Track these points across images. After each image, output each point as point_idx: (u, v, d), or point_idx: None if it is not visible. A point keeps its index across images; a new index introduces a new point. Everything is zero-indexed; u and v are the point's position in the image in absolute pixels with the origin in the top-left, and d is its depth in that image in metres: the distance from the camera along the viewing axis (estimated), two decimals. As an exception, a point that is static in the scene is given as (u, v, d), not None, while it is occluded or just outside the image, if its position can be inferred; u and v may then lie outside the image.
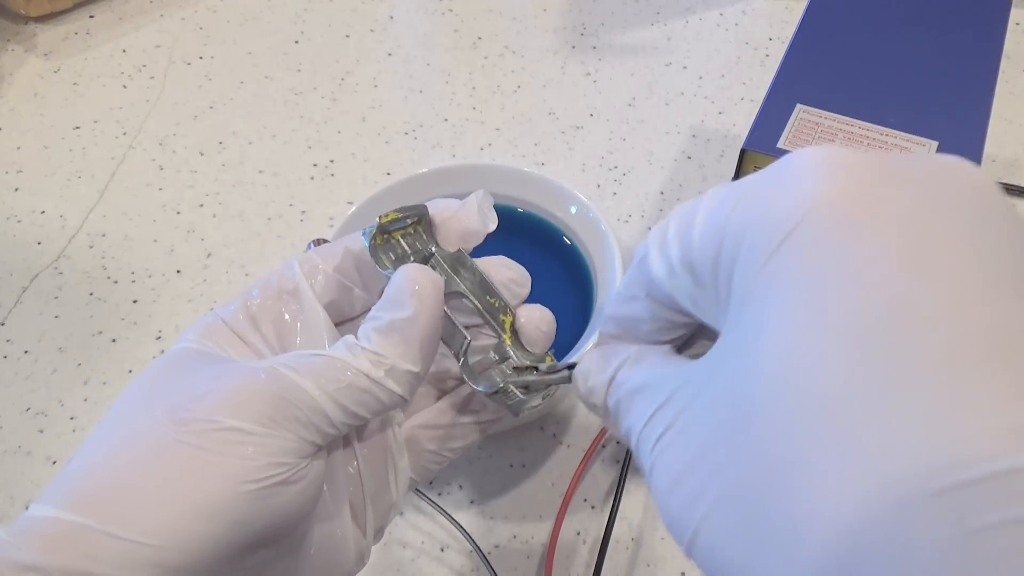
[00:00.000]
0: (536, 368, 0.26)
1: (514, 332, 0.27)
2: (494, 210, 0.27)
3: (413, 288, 0.23)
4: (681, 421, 0.17)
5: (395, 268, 0.24)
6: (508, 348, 0.27)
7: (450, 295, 0.26)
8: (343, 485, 0.24)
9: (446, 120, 0.56)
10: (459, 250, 0.26)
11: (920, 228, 0.14)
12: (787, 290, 0.15)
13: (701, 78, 0.60)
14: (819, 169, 0.15)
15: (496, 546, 0.37)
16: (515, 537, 0.37)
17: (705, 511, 0.15)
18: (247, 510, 0.19)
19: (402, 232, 0.26)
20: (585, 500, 0.38)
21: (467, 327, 0.26)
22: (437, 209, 0.27)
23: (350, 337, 0.23)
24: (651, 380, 0.19)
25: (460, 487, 0.39)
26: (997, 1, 0.44)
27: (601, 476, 0.39)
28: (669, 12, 0.65)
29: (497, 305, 0.26)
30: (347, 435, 0.24)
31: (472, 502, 0.38)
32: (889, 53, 0.42)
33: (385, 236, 0.26)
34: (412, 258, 0.26)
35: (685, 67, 0.60)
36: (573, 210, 0.41)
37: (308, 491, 0.21)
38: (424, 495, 0.37)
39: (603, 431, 0.38)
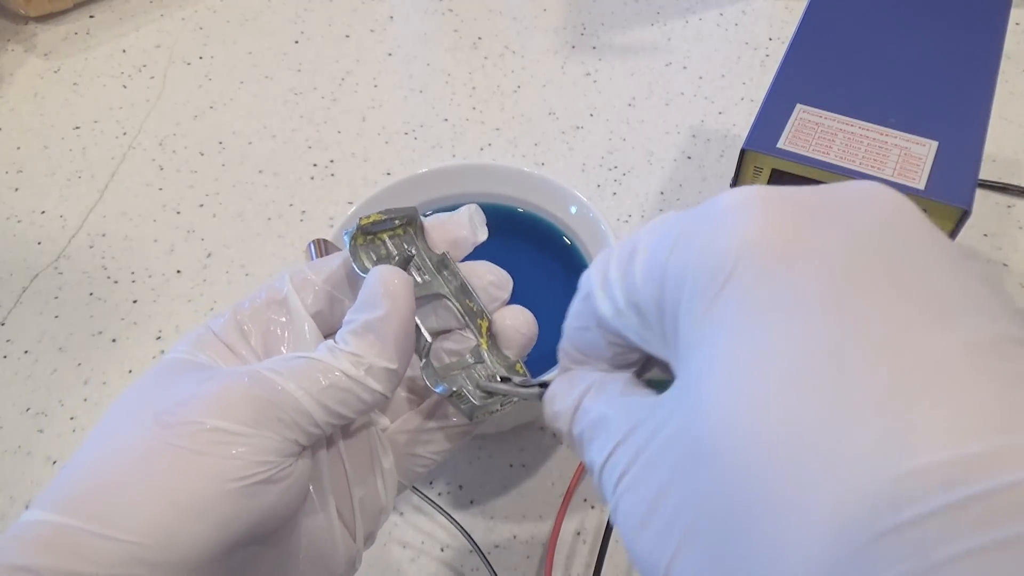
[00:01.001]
0: (508, 379, 0.26)
1: (491, 336, 0.27)
2: (485, 225, 0.28)
3: (385, 288, 0.23)
4: (641, 461, 0.17)
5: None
6: (484, 352, 0.27)
7: (431, 297, 0.27)
8: (329, 486, 0.24)
9: (446, 120, 0.56)
10: (444, 253, 0.27)
11: (846, 265, 0.14)
12: (729, 334, 0.15)
13: (701, 78, 0.60)
14: (747, 210, 0.16)
15: (496, 546, 0.37)
16: (515, 537, 0.37)
17: (673, 552, 0.15)
18: (232, 508, 0.20)
19: (389, 233, 0.27)
20: (585, 500, 0.38)
21: (448, 330, 0.27)
22: (429, 220, 0.28)
23: (330, 341, 0.23)
24: (610, 413, 0.19)
25: (460, 487, 0.39)
26: (997, 1, 0.44)
27: (601, 476, 0.39)
28: (669, 12, 0.65)
29: (475, 309, 0.27)
30: (332, 437, 0.24)
31: (472, 502, 0.38)
32: (889, 53, 0.42)
33: (369, 237, 0.26)
34: (395, 259, 0.26)
35: (685, 67, 0.60)
36: (573, 210, 0.41)
37: (293, 490, 0.21)
38: (424, 495, 0.37)
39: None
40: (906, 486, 0.12)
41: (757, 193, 0.16)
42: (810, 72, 0.41)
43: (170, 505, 0.19)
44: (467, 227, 0.27)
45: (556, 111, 0.57)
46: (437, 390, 0.25)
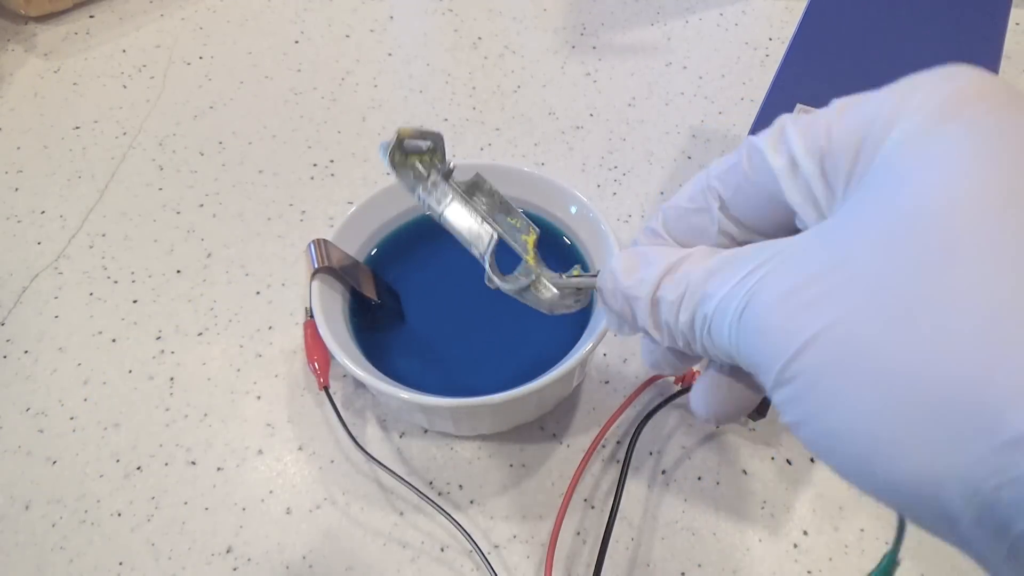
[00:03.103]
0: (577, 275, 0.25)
1: (537, 251, 0.26)
2: None
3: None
4: (792, 259, 0.16)
5: (412, 190, 0.25)
6: (531, 268, 0.25)
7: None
8: None
9: (446, 120, 0.56)
10: (476, 174, 0.26)
11: None
12: (956, 147, 0.15)
13: (701, 78, 0.60)
14: (968, 72, 0.16)
15: (496, 546, 0.37)
16: (515, 537, 0.37)
17: (839, 315, 0.15)
18: None
19: (418, 157, 0.26)
20: (585, 500, 0.38)
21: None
22: None
23: None
24: (735, 258, 0.18)
25: (460, 487, 0.39)
26: (997, 1, 0.44)
27: (601, 476, 0.39)
28: (669, 12, 0.65)
29: (518, 225, 0.25)
30: None
31: (472, 502, 0.38)
32: (889, 53, 0.42)
33: (404, 155, 0.25)
34: (429, 178, 0.25)
35: (685, 67, 0.60)
36: (573, 210, 0.41)
37: None
38: (424, 495, 0.37)
39: (603, 431, 0.38)
40: None
41: (962, 68, 0.16)
42: (810, 72, 0.41)
43: None
44: None
45: (556, 111, 0.57)
46: (506, 287, 0.24)
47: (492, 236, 0.24)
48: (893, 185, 0.15)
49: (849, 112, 0.18)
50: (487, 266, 0.24)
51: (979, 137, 0.15)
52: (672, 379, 0.41)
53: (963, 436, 0.13)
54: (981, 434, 0.13)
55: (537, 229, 0.26)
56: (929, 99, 0.16)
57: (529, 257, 0.26)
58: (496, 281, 0.24)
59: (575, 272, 0.26)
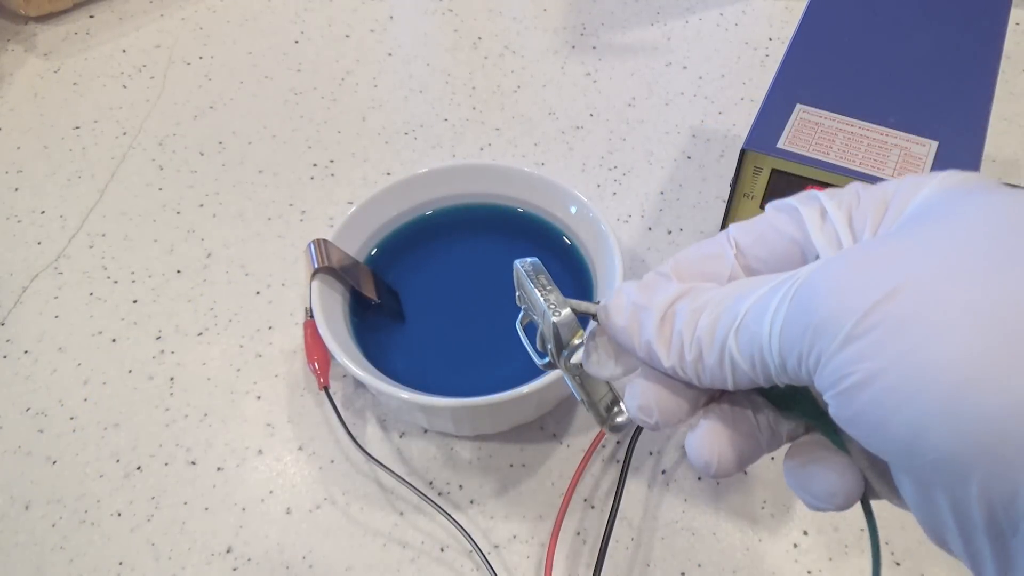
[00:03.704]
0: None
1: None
2: None
3: None
4: (845, 253, 0.17)
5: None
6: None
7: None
8: None
9: (446, 120, 0.56)
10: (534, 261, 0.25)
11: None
12: (987, 196, 0.17)
13: (701, 78, 0.60)
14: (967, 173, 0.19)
15: (496, 546, 0.37)
16: (515, 537, 0.37)
17: (927, 265, 0.16)
18: None
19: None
20: (585, 500, 0.38)
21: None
22: None
23: None
24: (764, 276, 0.19)
25: (460, 487, 0.39)
26: (997, 1, 0.44)
27: (601, 476, 0.39)
28: (669, 12, 0.65)
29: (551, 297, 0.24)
30: None
31: (472, 502, 0.38)
32: (889, 53, 0.42)
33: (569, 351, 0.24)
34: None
35: (685, 67, 0.60)
36: (573, 210, 0.41)
37: None
38: (424, 495, 0.37)
39: (603, 431, 0.38)
40: None
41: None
42: (810, 72, 0.41)
43: None
44: None
45: (556, 111, 0.57)
46: (615, 429, 0.26)
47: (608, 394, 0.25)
48: (942, 205, 0.17)
49: (873, 186, 0.19)
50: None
51: (1005, 193, 0.16)
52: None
53: None
54: None
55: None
56: (948, 177, 0.18)
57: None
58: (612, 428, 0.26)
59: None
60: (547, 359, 0.25)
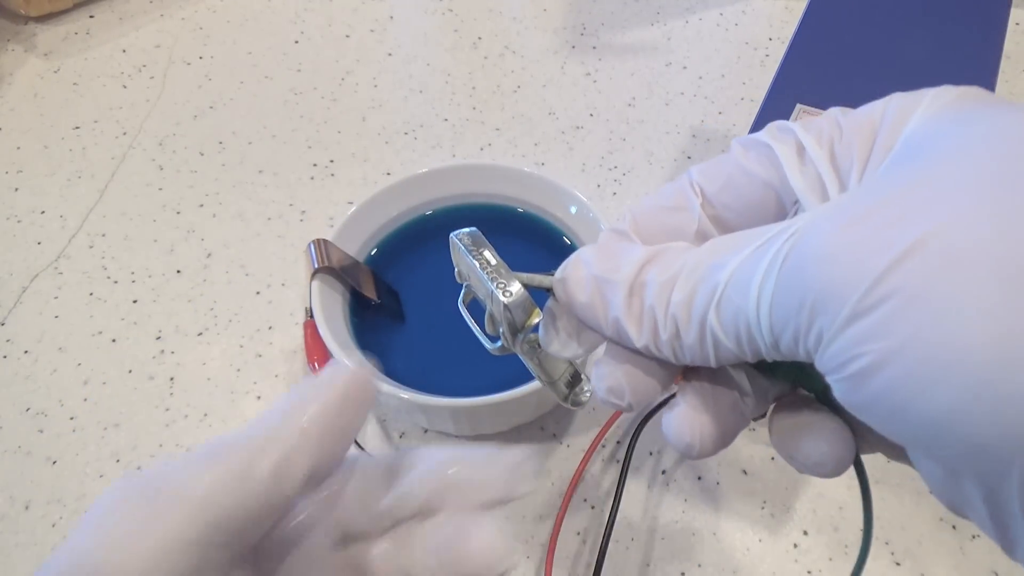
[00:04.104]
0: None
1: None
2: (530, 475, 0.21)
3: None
4: (842, 201, 0.15)
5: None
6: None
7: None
8: None
9: (446, 120, 0.56)
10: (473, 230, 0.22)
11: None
12: (995, 109, 0.14)
13: (701, 78, 0.60)
14: (960, 86, 0.16)
15: (496, 546, 0.37)
16: (515, 537, 0.37)
17: (945, 219, 0.13)
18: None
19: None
20: (585, 500, 0.38)
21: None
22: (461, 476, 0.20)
23: None
24: (743, 234, 0.16)
25: (460, 487, 0.39)
26: (997, 1, 0.44)
27: (601, 476, 0.39)
28: (669, 12, 0.65)
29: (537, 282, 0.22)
30: None
31: (472, 502, 0.38)
32: (889, 53, 0.42)
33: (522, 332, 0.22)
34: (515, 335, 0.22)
35: (685, 67, 0.60)
36: (573, 210, 0.41)
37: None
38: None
39: (603, 431, 0.38)
40: None
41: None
42: (810, 72, 0.41)
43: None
44: (503, 488, 0.20)
45: (556, 111, 0.57)
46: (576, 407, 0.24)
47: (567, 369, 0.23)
48: (945, 137, 0.14)
49: (855, 111, 0.17)
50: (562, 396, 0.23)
51: (1009, 112, 0.14)
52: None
53: None
54: None
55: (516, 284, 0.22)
56: (941, 94, 0.16)
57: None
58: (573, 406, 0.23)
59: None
60: (499, 343, 0.22)
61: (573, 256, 0.19)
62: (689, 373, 0.19)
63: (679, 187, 0.19)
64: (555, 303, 0.20)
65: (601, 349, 0.20)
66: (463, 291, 0.23)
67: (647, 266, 0.17)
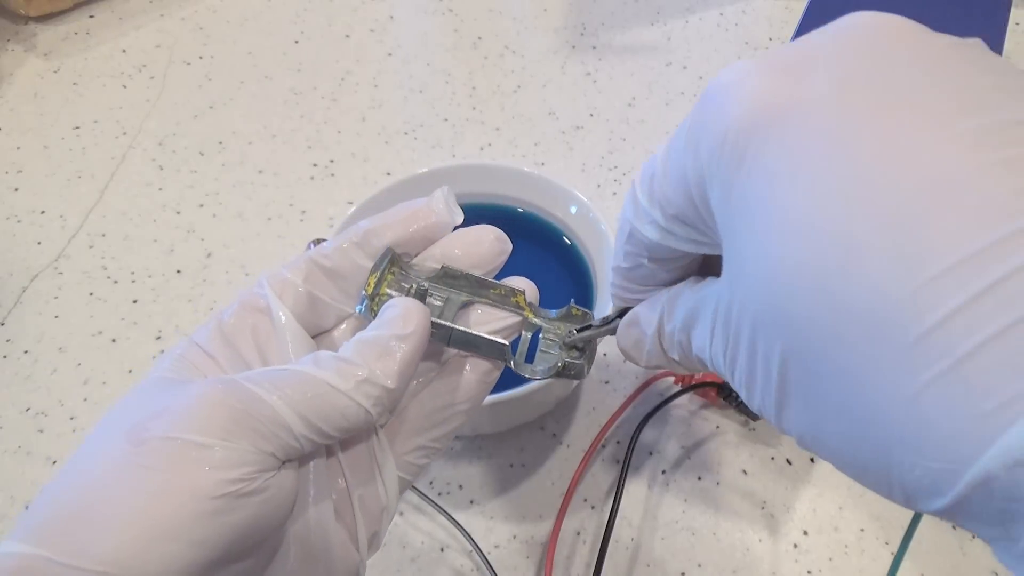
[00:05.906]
0: (587, 326, 0.27)
1: (530, 305, 0.27)
2: (458, 205, 0.27)
3: (408, 315, 0.23)
4: (731, 335, 0.18)
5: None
6: (536, 320, 0.27)
7: (463, 307, 0.26)
8: (324, 495, 0.23)
9: (446, 120, 0.56)
10: (442, 266, 0.26)
11: (836, 104, 0.15)
12: (750, 208, 0.16)
13: (701, 78, 0.60)
14: (737, 86, 0.17)
15: (496, 546, 0.37)
16: (515, 537, 0.37)
17: (777, 402, 0.17)
18: (208, 525, 0.19)
19: (386, 283, 0.26)
20: (585, 500, 0.38)
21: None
22: (399, 217, 0.26)
23: (321, 352, 0.22)
24: (694, 304, 0.20)
25: (460, 487, 0.39)
26: (997, 1, 0.44)
27: (601, 476, 0.39)
28: (669, 12, 0.65)
29: (502, 292, 0.26)
30: (330, 447, 0.24)
31: (472, 502, 0.38)
32: (889, 53, 0.42)
33: (375, 297, 0.25)
34: (412, 294, 0.26)
35: (685, 67, 0.60)
36: (573, 210, 0.41)
37: (274, 502, 0.20)
38: (424, 495, 0.37)
39: (603, 431, 0.38)
40: (924, 296, 0.13)
41: (745, 66, 0.17)
42: (810, 72, 0.41)
43: (141, 529, 0.18)
44: (444, 211, 0.26)
45: (556, 111, 0.57)
46: (541, 379, 0.27)
47: (506, 345, 0.25)
48: (731, 255, 0.17)
49: (671, 164, 0.19)
50: (518, 371, 0.27)
51: (758, 189, 0.16)
52: (672, 379, 0.41)
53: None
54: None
55: (523, 287, 0.26)
56: (715, 135, 0.17)
57: (527, 313, 0.26)
58: (531, 378, 0.27)
59: (574, 311, 0.28)
60: (363, 305, 0.25)
61: (628, 318, 0.24)
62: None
63: (624, 254, 0.22)
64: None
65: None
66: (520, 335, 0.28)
67: (663, 330, 0.22)
